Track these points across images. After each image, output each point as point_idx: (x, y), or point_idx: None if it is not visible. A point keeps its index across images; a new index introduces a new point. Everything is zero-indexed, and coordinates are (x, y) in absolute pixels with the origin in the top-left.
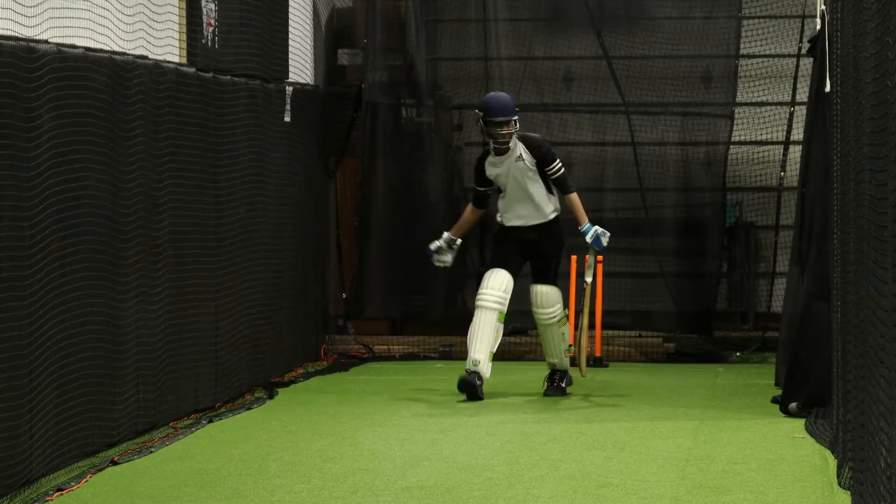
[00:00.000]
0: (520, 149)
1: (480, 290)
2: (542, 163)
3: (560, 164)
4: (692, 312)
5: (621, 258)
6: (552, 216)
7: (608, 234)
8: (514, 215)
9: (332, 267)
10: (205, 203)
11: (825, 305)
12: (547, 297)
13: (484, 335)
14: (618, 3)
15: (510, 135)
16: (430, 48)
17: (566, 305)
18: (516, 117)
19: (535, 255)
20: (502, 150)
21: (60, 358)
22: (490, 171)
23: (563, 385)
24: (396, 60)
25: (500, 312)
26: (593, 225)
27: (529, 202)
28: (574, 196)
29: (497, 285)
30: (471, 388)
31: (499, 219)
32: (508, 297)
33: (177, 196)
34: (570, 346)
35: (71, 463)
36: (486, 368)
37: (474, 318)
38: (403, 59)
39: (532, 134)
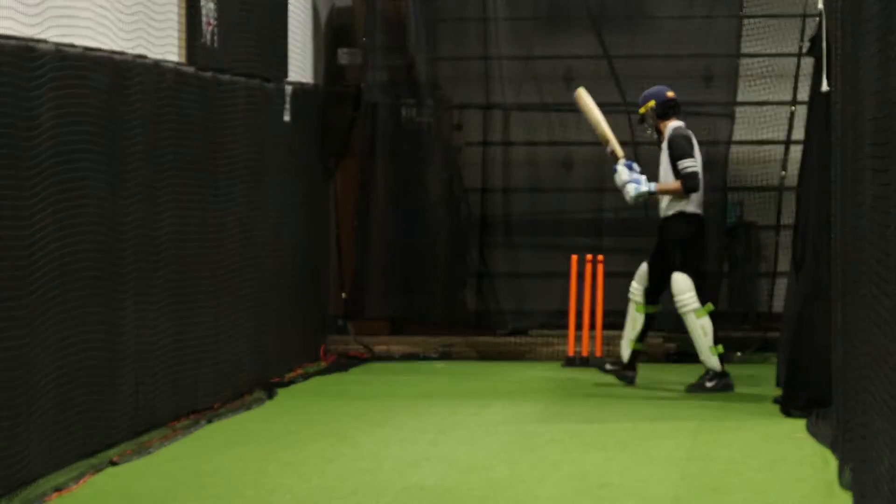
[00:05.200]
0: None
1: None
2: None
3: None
4: None
5: (621, 258)
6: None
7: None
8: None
9: (331, 267)
10: (204, 203)
11: (822, 305)
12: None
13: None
14: (618, 2)
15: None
16: (430, 48)
17: (566, 305)
18: (651, 105)
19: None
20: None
21: (60, 358)
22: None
23: (705, 383)
24: (396, 60)
25: (636, 303)
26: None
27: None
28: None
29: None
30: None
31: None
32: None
33: (177, 196)
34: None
35: (69, 463)
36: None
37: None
38: (403, 59)
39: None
